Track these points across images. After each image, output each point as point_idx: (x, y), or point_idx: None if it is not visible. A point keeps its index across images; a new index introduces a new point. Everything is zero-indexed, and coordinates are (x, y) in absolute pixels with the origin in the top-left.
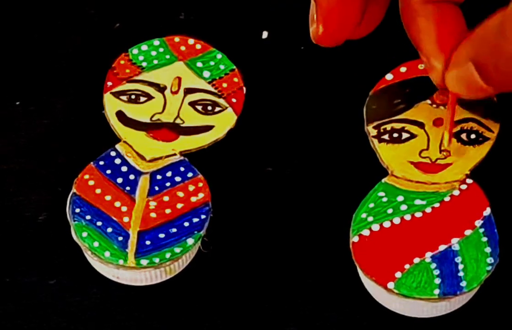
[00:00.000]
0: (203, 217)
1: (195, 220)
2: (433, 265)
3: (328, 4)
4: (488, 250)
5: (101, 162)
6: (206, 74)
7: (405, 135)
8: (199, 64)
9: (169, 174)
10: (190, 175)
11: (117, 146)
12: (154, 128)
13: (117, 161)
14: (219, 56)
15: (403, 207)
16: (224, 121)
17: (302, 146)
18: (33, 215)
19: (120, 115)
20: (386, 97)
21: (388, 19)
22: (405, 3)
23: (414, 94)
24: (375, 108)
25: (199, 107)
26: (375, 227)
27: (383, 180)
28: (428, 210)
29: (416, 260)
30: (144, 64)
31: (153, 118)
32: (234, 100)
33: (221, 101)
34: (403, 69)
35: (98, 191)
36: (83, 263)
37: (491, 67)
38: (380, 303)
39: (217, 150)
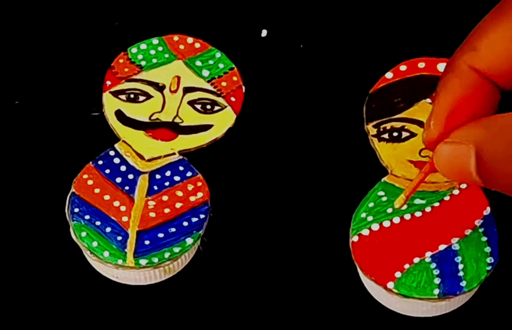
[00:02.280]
0: (202, 216)
1: (194, 219)
2: (433, 265)
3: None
4: (488, 249)
5: (100, 162)
6: (205, 73)
7: (405, 134)
8: (198, 63)
9: (168, 173)
10: (189, 174)
11: (116, 145)
12: (153, 127)
13: (116, 160)
14: (218, 55)
15: (403, 206)
16: (223, 120)
17: (302, 145)
18: (33, 214)
19: (119, 114)
20: (386, 96)
21: (388, 18)
22: (454, 57)
23: (414, 93)
24: (374, 107)
25: (198, 106)
26: (375, 227)
27: (382, 179)
28: (428, 209)
29: (416, 260)
30: (143, 63)
31: (152, 118)
32: (233, 99)
33: (220, 100)
34: (403, 67)
35: (97, 190)
36: (82, 263)
37: (494, 161)
38: (380, 302)
39: (216, 150)
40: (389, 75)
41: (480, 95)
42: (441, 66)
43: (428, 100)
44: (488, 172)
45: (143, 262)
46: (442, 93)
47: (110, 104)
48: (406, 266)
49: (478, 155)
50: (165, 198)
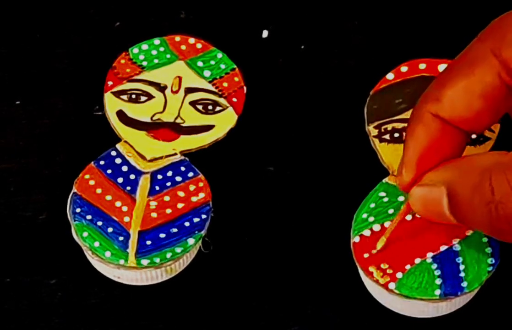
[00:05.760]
0: (203, 216)
1: (196, 219)
2: (434, 266)
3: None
4: (489, 250)
5: (102, 162)
6: (207, 73)
7: None
8: (200, 64)
9: (169, 173)
10: (190, 174)
11: (118, 146)
12: (155, 128)
13: (118, 161)
14: (220, 55)
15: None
16: (225, 121)
17: (303, 146)
18: (34, 214)
19: (121, 114)
20: (387, 97)
21: (390, 19)
22: (418, 106)
23: (415, 94)
24: (376, 108)
25: (200, 107)
26: (376, 227)
27: (384, 180)
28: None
29: (417, 261)
30: (144, 63)
31: (154, 118)
32: (234, 99)
33: (222, 100)
34: (404, 68)
35: (98, 190)
36: (84, 263)
37: (464, 200)
38: (381, 303)
39: (218, 150)
40: (390, 76)
41: (447, 139)
42: (441, 67)
43: None
44: (461, 212)
45: (144, 262)
46: (410, 141)
47: (111, 104)
48: (408, 266)
49: (449, 196)
50: (166, 198)
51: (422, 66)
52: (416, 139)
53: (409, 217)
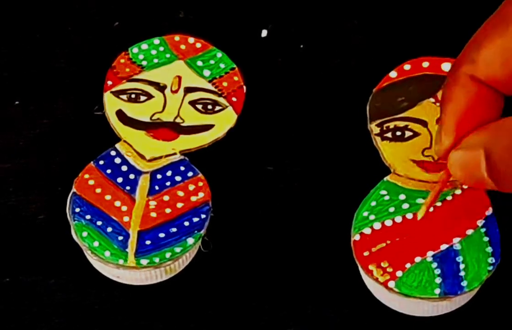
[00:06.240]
0: (203, 216)
1: (195, 219)
2: (434, 264)
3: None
4: (489, 249)
5: (101, 162)
6: (206, 73)
7: (408, 133)
8: (199, 63)
9: (169, 173)
10: (190, 174)
11: (117, 145)
12: (154, 127)
13: (117, 160)
14: (219, 55)
15: (405, 206)
16: (224, 120)
17: (304, 144)
18: (33, 214)
19: (120, 114)
20: (390, 95)
21: (389, 18)
22: (454, 68)
23: (418, 92)
24: (378, 106)
25: (199, 106)
26: (377, 226)
27: (385, 178)
28: (430, 208)
29: (417, 259)
30: (144, 63)
31: (153, 118)
32: (234, 99)
33: (221, 100)
34: (407, 67)
35: (98, 190)
36: (83, 263)
37: (502, 162)
38: (381, 301)
39: (218, 150)
40: (393, 74)
41: (484, 102)
42: (445, 66)
43: (432, 99)
44: (499, 174)
45: (144, 262)
46: (448, 105)
47: (111, 104)
48: (408, 265)
49: (488, 159)
50: (166, 198)
51: (425, 64)
52: (454, 103)
53: (410, 216)
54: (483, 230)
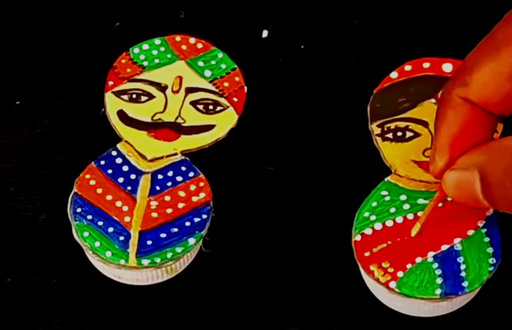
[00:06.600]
0: (204, 216)
1: (197, 219)
2: (435, 265)
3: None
4: (490, 250)
5: (102, 162)
6: (208, 73)
7: (409, 134)
8: (201, 64)
9: (170, 173)
10: (191, 174)
11: (118, 145)
12: (155, 127)
13: (118, 161)
14: (220, 55)
15: (406, 206)
16: (226, 121)
17: (304, 145)
18: (34, 214)
19: (121, 114)
20: (391, 96)
21: (389, 18)
22: (447, 90)
23: (419, 93)
24: (379, 107)
25: (201, 107)
26: (378, 226)
27: (386, 179)
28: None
29: (418, 260)
30: (145, 63)
31: (154, 118)
32: (235, 99)
33: (223, 100)
34: (408, 67)
35: (99, 190)
36: (84, 263)
37: (497, 183)
38: (382, 302)
39: (219, 150)
40: (394, 74)
41: (477, 123)
42: (446, 66)
43: (433, 100)
44: (493, 194)
45: (145, 262)
46: (442, 126)
47: (112, 104)
48: (408, 265)
49: (482, 180)
50: (167, 198)
51: (426, 65)
52: (447, 124)
53: (411, 216)
54: (484, 230)
